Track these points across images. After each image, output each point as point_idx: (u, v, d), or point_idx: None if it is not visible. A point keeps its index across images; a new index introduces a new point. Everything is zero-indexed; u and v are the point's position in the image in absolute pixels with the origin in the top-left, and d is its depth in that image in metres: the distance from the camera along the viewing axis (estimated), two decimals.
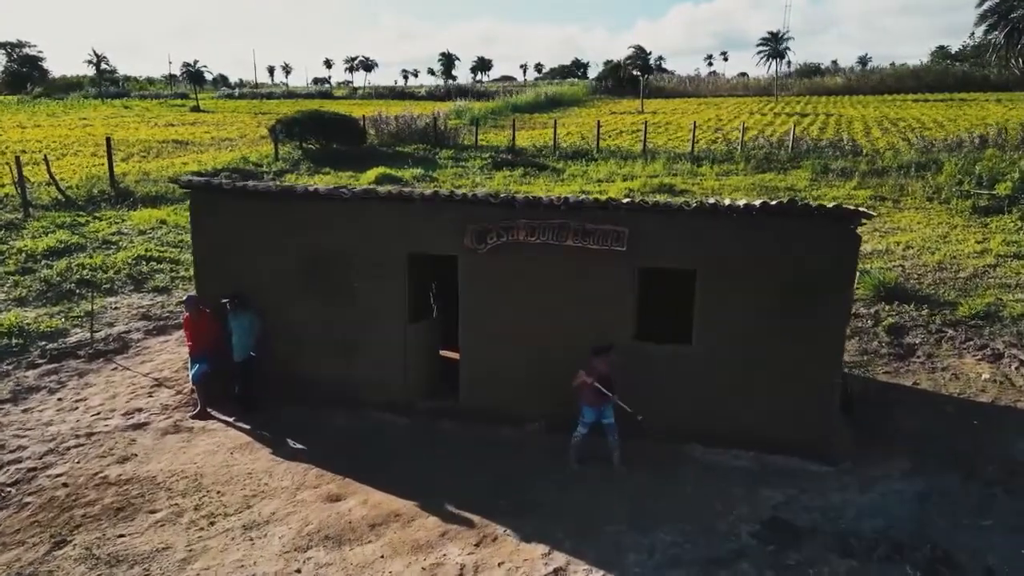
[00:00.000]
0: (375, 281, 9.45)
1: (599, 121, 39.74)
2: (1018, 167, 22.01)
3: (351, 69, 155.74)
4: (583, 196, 9.90)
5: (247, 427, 9.35)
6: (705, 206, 8.49)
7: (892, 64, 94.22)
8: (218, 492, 7.88)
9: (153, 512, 7.51)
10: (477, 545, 6.99)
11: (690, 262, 8.52)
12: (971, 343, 11.75)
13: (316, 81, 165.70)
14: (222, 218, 9.86)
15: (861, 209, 8.15)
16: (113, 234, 17.91)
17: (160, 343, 12.22)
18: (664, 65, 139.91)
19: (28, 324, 12.32)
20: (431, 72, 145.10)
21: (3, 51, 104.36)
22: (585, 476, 8.18)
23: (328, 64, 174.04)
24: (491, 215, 8.87)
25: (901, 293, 13.45)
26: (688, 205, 8.49)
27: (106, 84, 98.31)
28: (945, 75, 79.06)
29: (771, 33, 78.83)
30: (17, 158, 20.87)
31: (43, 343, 11.78)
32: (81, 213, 19.74)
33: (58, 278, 14.59)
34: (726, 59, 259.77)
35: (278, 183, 15.37)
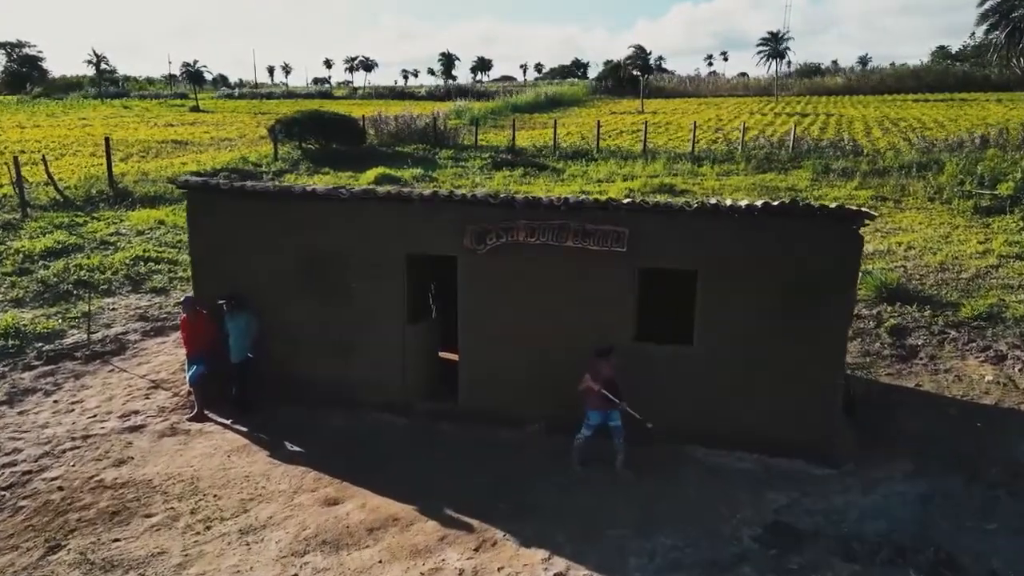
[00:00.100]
0: (373, 282, 9.38)
1: (599, 121, 39.64)
2: (1020, 167, 21.92)
3: (351, 69, 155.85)
4: (583, 196, 9.82)
5: (244, 429, 9.29)
6: (706, 206, 8.42)
7: (892, 64, 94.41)
8: (215, 496, 7.81)
9: (149, 516, 7.44)
10: (476, 550, 6.92)
11: (691, 263, 8.46)
12: (974, 344, 11.67)
13: (316, 81, 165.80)
14: (219, 218, 9.80)
15: (864, 209, 8.09)
16: (111, 234, 17.84)
17: (158, 344, 12.15)
18: (664, 65, 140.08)
19: (25, 325, 12.25)
20: (431, 72, 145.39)
21: (3, 51, 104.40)
22: (587, 479, 8.11)
23: (328, 64, 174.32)
24: (491, 215, 8.81)
25: (903, 294, 13.37)
26: (689, 205, 8.43)
27: (106, 84, 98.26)
28: (945, 75, 79.09)
29: (771, 33, 78.84)
30: (15, 158, 20.79)
31: (39, 344, 11.71)
32: (79, 213, 19.68)
33: (55, 279, 14.52)
34: (726, 59, 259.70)
35: (277, 183, 15.31)
